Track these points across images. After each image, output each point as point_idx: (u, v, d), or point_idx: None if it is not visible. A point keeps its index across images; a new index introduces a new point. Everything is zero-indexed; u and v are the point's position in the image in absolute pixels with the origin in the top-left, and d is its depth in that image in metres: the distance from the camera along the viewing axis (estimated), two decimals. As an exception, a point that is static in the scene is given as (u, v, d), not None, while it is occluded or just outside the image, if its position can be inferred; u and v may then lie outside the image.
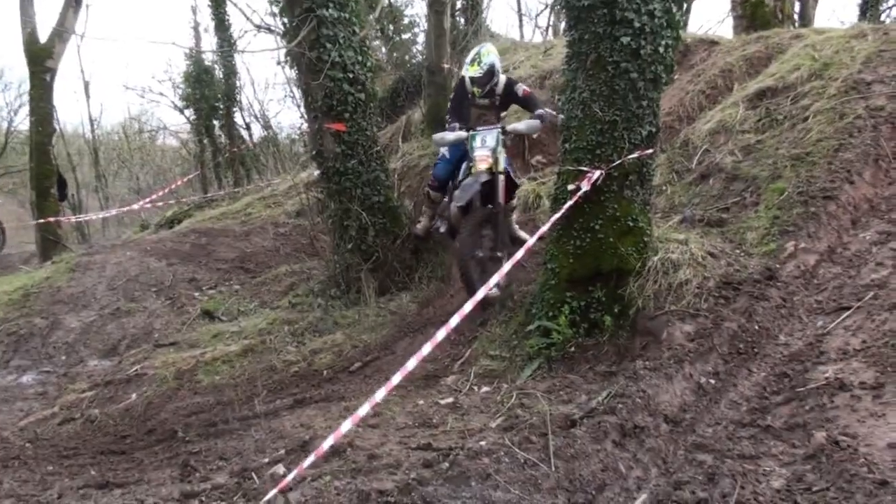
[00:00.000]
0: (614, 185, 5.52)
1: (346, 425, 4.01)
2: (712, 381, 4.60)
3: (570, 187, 5.57)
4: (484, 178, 6.92)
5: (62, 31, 15.30)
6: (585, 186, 5.45)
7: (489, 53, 7.48)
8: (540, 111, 7.22)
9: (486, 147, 7.00)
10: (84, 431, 6.40)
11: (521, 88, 7.54)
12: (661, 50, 5.37)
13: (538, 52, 14.24)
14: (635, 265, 5.55)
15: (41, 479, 5.17)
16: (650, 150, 5.58)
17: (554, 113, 7.02)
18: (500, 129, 7.15)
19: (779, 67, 8.70)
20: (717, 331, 5.05)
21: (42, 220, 15.05)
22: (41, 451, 5.97)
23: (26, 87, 16.22)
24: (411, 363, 4.33)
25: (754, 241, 6.13)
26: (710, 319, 5.16)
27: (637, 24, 5.26)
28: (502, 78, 7.60)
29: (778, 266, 5.68)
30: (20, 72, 51.94)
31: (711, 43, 11.35)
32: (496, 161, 6.99)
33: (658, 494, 3.54)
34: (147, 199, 19.62)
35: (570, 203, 5.46)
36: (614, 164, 5.45)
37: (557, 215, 5.53)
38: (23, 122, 32.01)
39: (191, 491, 4.33)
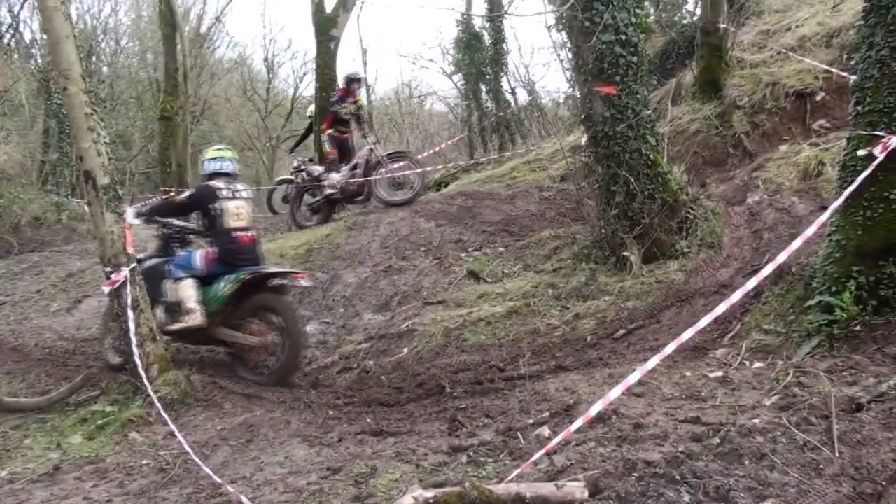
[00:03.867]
0: (915, 152, 5.03)
1: (616, 391, 3.96)
2: None
3: (862, 153, 5.14)
4: None
5: (346, 1, 16.13)
6: (879, 153, 5.01)
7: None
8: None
9: None
10: (360, 381, 6.81)
11: None
12: (982, 0, 4.80)
13: (825, 7, 13.25)
14: (937, 240, 5.04)
15: (323, 422, 5.56)
16: (960, 113, 5.02)
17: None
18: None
19: None
20: None
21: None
22: (323, 396, 6.41)
23: (311, 55, 17.33)
24: (687, 334, 4.21)
25: None
26: None
27: (955, -29, 4.73)
28: None
29: None
30: (306, 41, 55.52)
31: None
32: None
33: (961, 492, 3.20)
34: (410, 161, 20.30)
35: (865, 173, 5.03)
36: (916, 128, 4.96)
37: (852, 187, 5.11)
38: (307, 88, 34.36)
39: (459, 445, 4.48)
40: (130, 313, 6.23)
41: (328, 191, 13.20)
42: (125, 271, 6.28)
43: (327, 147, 13.64)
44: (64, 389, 6.74)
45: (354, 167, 13.04)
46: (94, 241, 6.65)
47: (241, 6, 62.73)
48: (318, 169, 13.63)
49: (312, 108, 17.74)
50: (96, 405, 6.31)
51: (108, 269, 6.37)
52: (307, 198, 13.79)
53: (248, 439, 5.23)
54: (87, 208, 6.96)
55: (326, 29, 16.08)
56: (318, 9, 16.15)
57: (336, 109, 13.64)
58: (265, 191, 18.18)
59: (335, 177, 13.20)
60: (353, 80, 13.78)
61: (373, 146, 13.11)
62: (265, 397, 6.42)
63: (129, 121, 32.98)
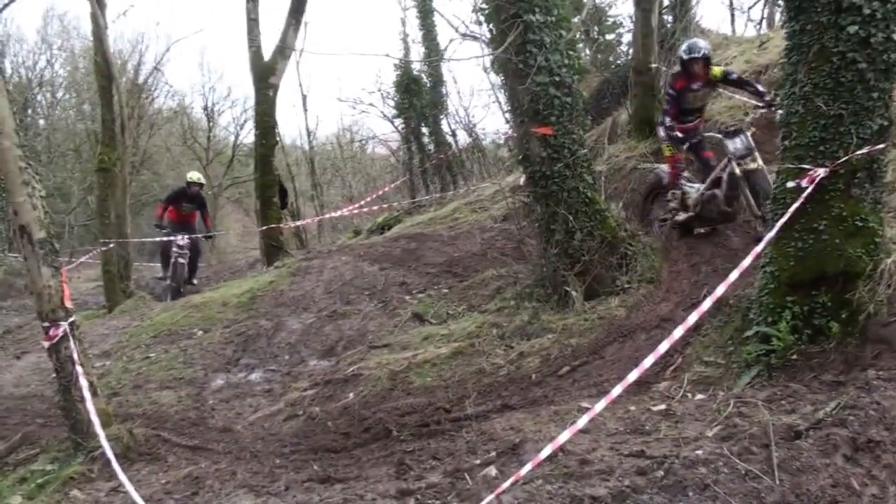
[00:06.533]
0: (840, 184, 5.19)
1: (564, 436, 4.00)
2: (957, 394, 4.22)
3: (790, 185, 5.29)
4: None
5: (284, 49, 16.17)
6: (807, 185, 5.16)
7: None
8: None
9: None
10: (306, 428, 6.73)
11: None
12: None
13: (752, 45, 13.67)
14: (865, 268, 5.19)
15: (270, 471, 5.48)
16: (881, 145, 5.19)
17: None
18: None
19: None
20: (962, 339, 4.63)
21: (266, 228, 15.94)
22: (269, 445, 6.33)
23: (251, 102, 17.32)
24: (633, 375, 4.26)
25: None
26: (953, 326, 4.75)
27: (867, 11, 4.91)
28: None
29: None
30: (246, 89, 55.45)
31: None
32: None
33: (897, 515, 3.28)
34: (356, 206, 20.45)
35: (795, 205, 5.18)
36: (840, 160, 5.12)
37: (783, 219, 5.25)
38: (248, 136, 34.29)
39: (407, 489, 4.45)
40: (79, 368, 6.11)
41: (680, 216, 9.45)
42: (63, 326, 6.16)
43: (669, 150, 9.40)
44: (2, 448, 6.58)
45: (716, 184, 8.80)
46: (32, 297, 6.52)
47: (179, 56, 62.55)
48: (663, 173, 9.78)
49: (196, 175, 16.41)
50: (36, 464, 6.14)
51: (46, 324, 6.23)
52: (656, 210, 10.16)
53: (193, 492, 5.13)
54: (23, 263, 6.80)
55: (265, 76, 16.10)
56: (257, 57, 16.17)
57: (669, 105, 9.20)
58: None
59: (691, 193, 9.24)
60: (691, 62, 8.89)
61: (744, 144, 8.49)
62: (211, 448, 6.32)
63: (67, 173, 32.57)
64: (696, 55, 8.76)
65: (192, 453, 6.18)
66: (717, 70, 8.94)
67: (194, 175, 16.25)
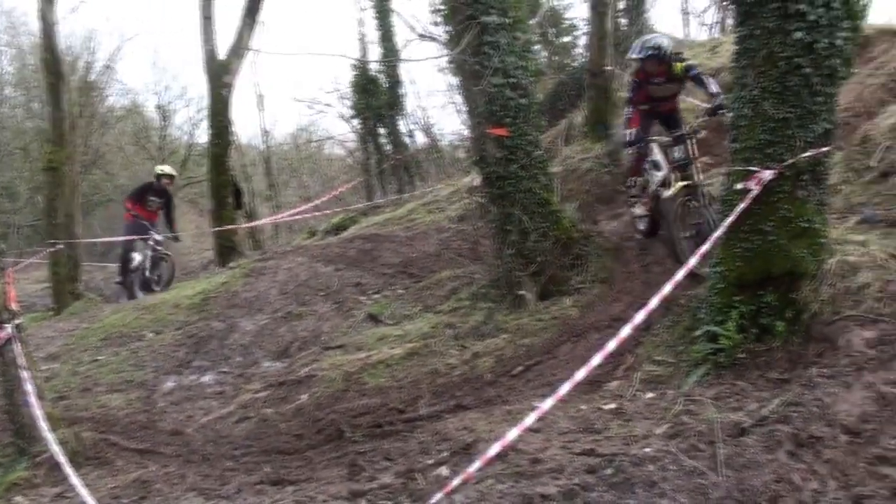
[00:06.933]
0: (786, 185, 5.28)
1: (513, 433, 4.03)
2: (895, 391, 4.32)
3: (738, 187, 5.39)
4: None
5: (239, 48, 16.08)
6: (754, 187, 5.26)
7: None
8: None
9: None
10: (258, 430, 6.68)
11: None
12: (839, 43, 5.10)
13: (704, 49, 13.87)
14: (809, 268, 5.30)
15: (220, 474, 5.45)
16: (825, 148, 5.30)
17: None
18: None
19: (970, 57, 8.12)
20: (902, 337, 4.74)
21: (219, 228, 15.81)
22: (220, 448, 6.28)
23: (206, 102, 17.14)
24: (580, 374, 4.30)
25: (943, 242, 5.73)
26: (894, 325, 4.86)
27: (812, 17, 5.02)
28: None
29: (970, 269, 5.29)
30: (200, 88, 54.94)
31: (895, 33, 10.71)
32: None
33: (837, 509, 3.36)
34: (311, 205, 20.40)
35: (742, 206, 5.27)
36: (786, 163, 5.22)
37: (730, 219, 5.35)
38: (202, 136, 34.00)
39: (359, 490, 4.46)
40: (25, 372, 6.00)
41: (638, 208, 9.34)
42: (8, 328, 6.05)
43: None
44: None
45: (664, 184, 8.49)
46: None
47: (132, 53, 61.70)
48: (629, 150, 9.43)
49: (166, 167, 15.90)
50: (-23, 470, 6.03)
51: (-9, 325, 6.11)
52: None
53: (141, 496, 5.08)
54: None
55: (219, 75, 15.99)
56: (211, 56, 16.06)
57: (633, 94, 8.91)
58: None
59: (651, 181, 8.88)
60: (642, 62, 8.61)
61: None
62: (160, 451, 6.25)
63: (14, 172, 32.01)
64: (642, 56, 8.44)
65: (140, 457, 6.11)
66: (678, 66, 8.46)
67: (165, 167, 15.76)
